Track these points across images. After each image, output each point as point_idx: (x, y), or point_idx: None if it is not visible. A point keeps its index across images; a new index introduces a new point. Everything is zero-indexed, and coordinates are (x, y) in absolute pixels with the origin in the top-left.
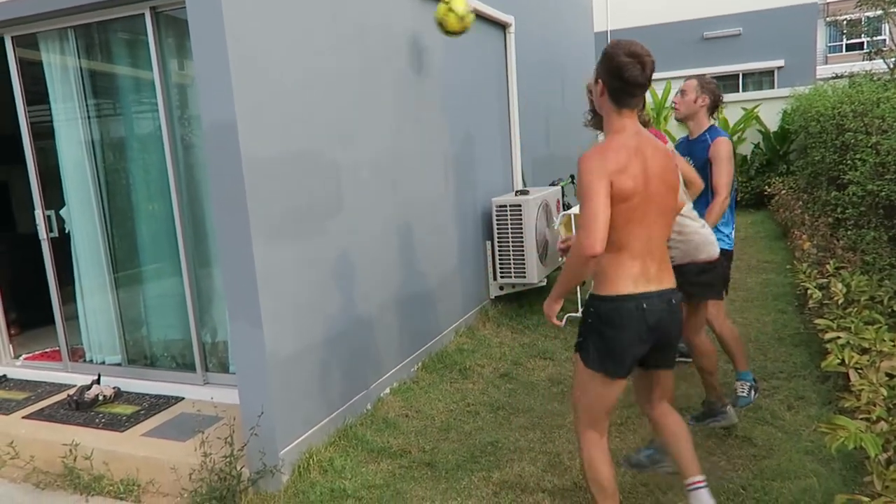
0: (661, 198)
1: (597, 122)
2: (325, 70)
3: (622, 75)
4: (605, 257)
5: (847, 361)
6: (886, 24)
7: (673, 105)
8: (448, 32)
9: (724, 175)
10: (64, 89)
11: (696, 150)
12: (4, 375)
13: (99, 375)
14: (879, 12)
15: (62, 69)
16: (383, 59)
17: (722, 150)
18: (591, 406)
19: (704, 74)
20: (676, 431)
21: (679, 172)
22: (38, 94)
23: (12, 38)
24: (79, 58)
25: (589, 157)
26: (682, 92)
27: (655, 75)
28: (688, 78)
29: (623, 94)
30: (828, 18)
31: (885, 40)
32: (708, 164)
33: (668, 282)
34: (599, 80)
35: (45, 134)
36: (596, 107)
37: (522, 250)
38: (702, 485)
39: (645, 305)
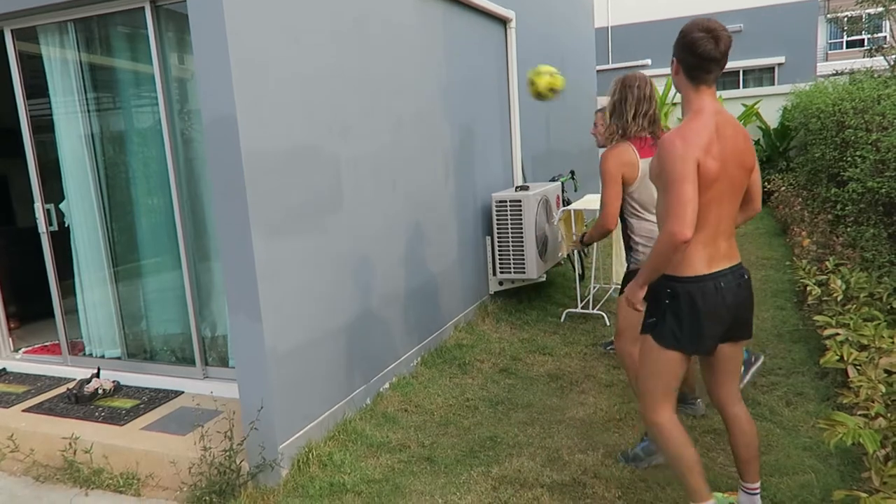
0: (736, 178)
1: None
2: (325, 65)
3: (696, 50)
4: None
5: (846, 358)
6: (887, 21)
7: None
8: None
9: None
10: (64, 83)
11: None
12: (4, 369)
13: (98, 369)
14: (880, 9)
15: (62, 63)
16: (383, 53)
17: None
18: (665, 383)
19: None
20: (747, 431)
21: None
22: (37, 87)
23: (12, 31)
24: (79, 51)
25: (672, 140)
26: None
27: (656, 72)
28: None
29: (698, 70)
30: (828, 15)
31: (885, 37)
32: None
33: (737, 257)
34: (674, 59)
35: (44, 127)
36: (674, 86)
37: (522, 246)
38: (758, 492)
39: (722, 284)
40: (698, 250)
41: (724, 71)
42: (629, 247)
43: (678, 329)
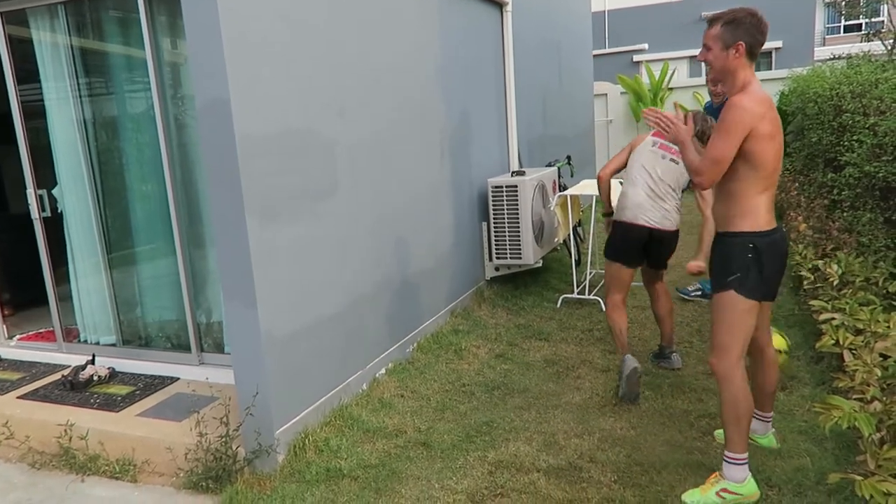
0: (782, 143)
1: None
2: (321, 48)
3: (764, 31)
4: (755, 196)
5: (841, 342)
6: (885, 6)
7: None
8: None
9: None
10: (55, 67)
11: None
12: None
13: (94, 356)
14: None
15: (53, 47)
16: (379, 36)
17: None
18: (745, 335)
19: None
20: (774, 369)
21: None
22: (28, 72)
23: (1, 13)
24: (69, 35)
25: (741, 101)
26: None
27: (652, 56)
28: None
29: (758, 48)
30: None
31: (883, 21)
32: None
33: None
34: (740, 43)
35: (36, 113)
36: (720, 68)
37: (518, 231)
38: (770, 419)
39: (783, 236)
40: (768, 208)
41: None
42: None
43: (758, 279)
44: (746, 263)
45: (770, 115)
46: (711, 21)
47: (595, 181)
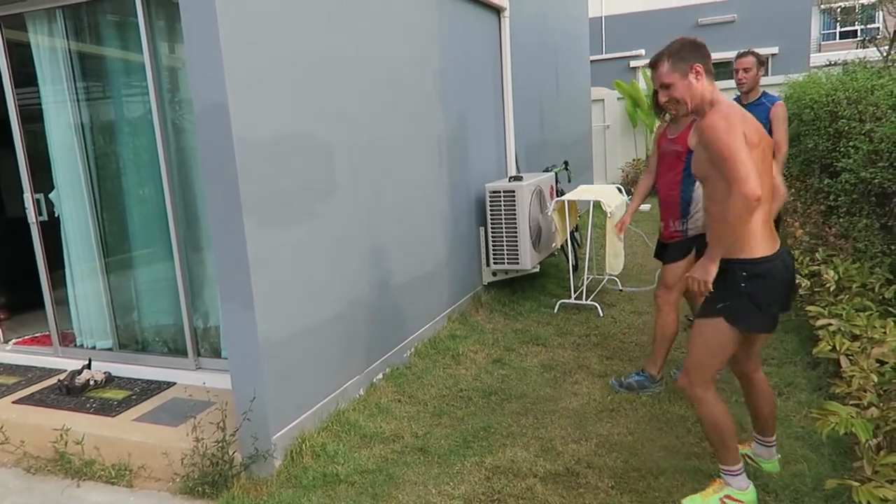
0: (767, 154)
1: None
2: (319, 52)
3: (709, 53)
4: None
5: (838, 348)
6: (880, 12)
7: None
8: None
9: (786, 132)
10: (52, 71)
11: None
12: None
13: (90, 360)
14: (873, 0)
15: (50, 51)
16: (377, 41)
17: (781, 111)
18: (721, 361)
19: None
20: (768, 392)
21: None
22: (26, 76)
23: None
24: (67, 39)
25: (715, 120)
26: (746, 70)
27: (647, 62)
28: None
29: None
30: (822, 6)
31: (878, 28)
32: (768, 124)
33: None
34: (699, 66)
35: (33, 117)
36: (689, 94)
37: (516, 236)
38: (774, 443)
39: (786, 262)
40: (762, 232)
41: (718, 62)
42: (687, 212)
43: (756, 310)
44: (739, 293)
45: (750, 123)
46: (655, 64)
47: (606, 188)
